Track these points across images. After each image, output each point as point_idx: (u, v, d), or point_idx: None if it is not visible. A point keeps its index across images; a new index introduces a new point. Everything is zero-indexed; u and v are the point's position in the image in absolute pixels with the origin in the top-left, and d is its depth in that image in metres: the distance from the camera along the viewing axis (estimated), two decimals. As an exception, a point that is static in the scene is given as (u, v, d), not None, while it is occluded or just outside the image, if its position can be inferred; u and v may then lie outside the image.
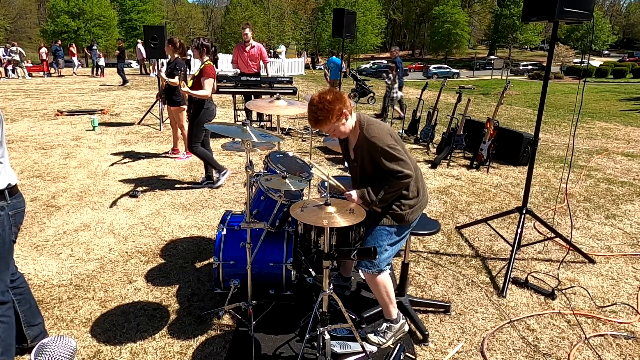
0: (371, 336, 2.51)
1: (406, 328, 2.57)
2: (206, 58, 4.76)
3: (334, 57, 12.52)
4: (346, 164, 2.81)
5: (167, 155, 6.57)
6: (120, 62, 16.83)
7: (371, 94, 13.80)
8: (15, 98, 12.14)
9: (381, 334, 2.52)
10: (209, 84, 4.64)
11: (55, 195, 4.85)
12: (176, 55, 6.01)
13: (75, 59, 21.63)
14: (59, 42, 20.99)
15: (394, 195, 2.37)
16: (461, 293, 3.15)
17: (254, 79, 7.69)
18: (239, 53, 7.85)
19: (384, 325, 2.53)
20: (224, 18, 64.64)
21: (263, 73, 8.12)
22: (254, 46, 7.80)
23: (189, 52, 21.27)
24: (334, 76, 12.22)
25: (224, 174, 5.17)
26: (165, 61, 7.85)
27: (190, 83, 4.75)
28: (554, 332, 2.74)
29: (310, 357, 2.42)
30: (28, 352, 2.39)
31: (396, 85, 10.13)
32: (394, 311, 2.50)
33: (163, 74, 5.81)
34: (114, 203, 4.62)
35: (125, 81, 16.34)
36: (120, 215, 4.33)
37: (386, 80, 10.10)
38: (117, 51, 17.32)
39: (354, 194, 2.38)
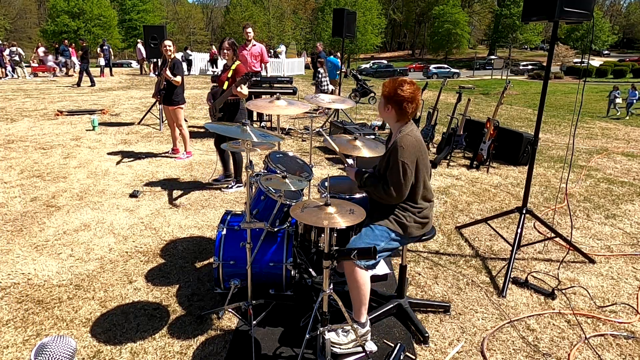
0: (332, 335, 2.39)
1: (369, 339, 2.46)
2: (235, 59, 4.80)
3: (332, 57, 12.57)
4: (348, 163, 2.81)
5: (167, 155, 6.57)
6: (83, 62, 15.72)
7: (372, 94, 13.81)
8: (15, 98, 12.13)
9: (343, 333, 2.43)
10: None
11: (55, 195, 4.85)
12: (174, 55, 6.04)
13: (75, 59, 21.60)
14: (66, 42, 20.93)
15: (373, 193, 2.49)
16: (461, 293, 3.15)
17: (254, 79, 7.69)
18: (240, 53, 7.87)
19: (349, 326, 2.39)
20: (224, 18, 64.68)
21: (262, 73, 8.13)
22: (255, 45, 7.83)
23: (188, 51, 21.43)
24: (331, 76, 12.24)
25: (240, 185, 5.14)
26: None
27: (225, 85, 4.76)
28: (554, 332, 2.74)
29: (310, 357, 2.42)
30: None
31: (327, 79, 10.25)
32: (365, 314, 2.45)
33: (169, 73, 5.82)
34: (113, 203, 4.62)
35: (92, 82, 15.41)
36: (120, 215, 4.33)
37: (318, 76, 10.35)
38: (80, 51, 16.01)
39: (353, 167, 2.64)
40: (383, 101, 2.47)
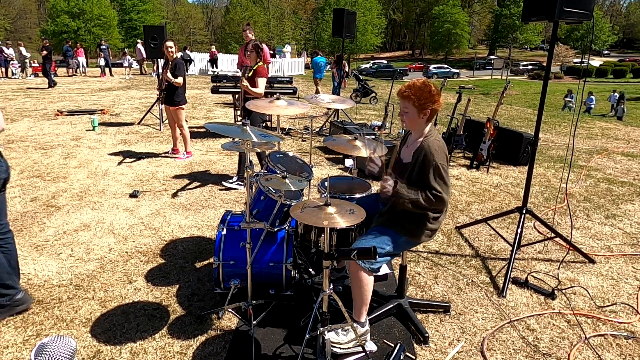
0: (332, 334, 2.39)
1: (368, 338, 2.47)
2: (258, 60, 4.91)
3: (317, 57, 13.11)
4: (346, 162, 2.80)
5: (167, 155, 6.57)
6: (47, 62, 15.31)
7: (373, 94, 13.83)
8: (15, 98, 12.13)
9: (343, 332, 2.44)
10: (261, 82, 4.85)
11: (55, 195, 4.85)
12: (176, 55, 6.04)
13: (81, 59, 21.63)
14: (69, 43, 20.96)
15: (420, 208, 2.37)
16: (461, 293, 3.15)
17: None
18: (242, 54, 7.88)
19: (348, 325, 2.38)
20: (224, 18, 64.67)
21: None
22: None
23: (187, 51, 21.44)
24: (316, 75, 12.85)
25: (239, 183, 5.15)
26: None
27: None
28: (554, 332, 2.74)
29: (311, 357, 2.42)
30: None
31: None
32: (365, 314, 2.46)
33: (169, 74, 5.83)
34: (113, 203, 4.62)
35: (52, 83, 14.90)
36: (120, 215, 4.33)
37: None
38: (44, 51, 15.42)
39: (391, 179, 2.34)
40: (415, 110, 2.39)
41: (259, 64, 4.88)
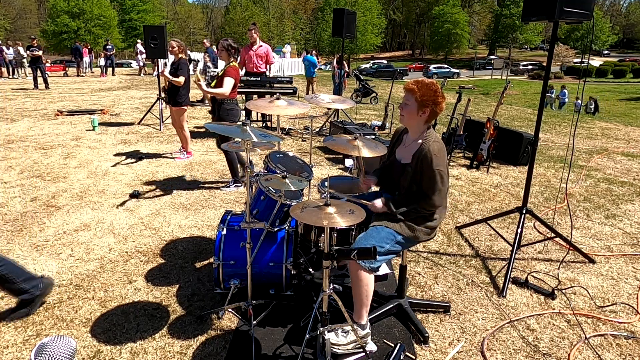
0: (331, 335, 2.38)
1: (369, 340, 2.45)
2: (232, 59, 4.82)
3: (308, 55, 13.30)
4: (346, 162, 2.80)
5: (171, 155, 6.55)
6: (39, 63, 14.80)
7: (374, 94, 13.84)
8: (15, 98, 12.13)
9: (343, 334, 2.43)
10: (227, 82, 4.67)
11: (55, 195, 4.85)
12: (181, 56, 6.00)
13: (85, 58, 21.68)
14: (79, 43, 21.11)
15: (416, 213, 2.44)
16: (461, 293, 3.15)
17: (254, 79, 7.71)
18: (245, 53, 7.86)
19: (349, 327, 2.38)
20: (224, 18, 64.72)
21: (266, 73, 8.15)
22: (261, 45, 7.84)
23: (188, 51, 21.48)
24: (307, 74, 13.35)
25: (237, 185, 5.13)
26: (168, 61, 7.85)
27: (213, 83, 4.83)
28: (554, 332, 2.74)
29: (310, 357, 2.42)
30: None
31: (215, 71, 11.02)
32: (365, 316, 2.44)
33: (167, 74, 5.80)
34: (113, 203, 4.62)
35: (43, 85, 14.75)
36: (120, 215, 4.33)
37: (210, 72, 11.24)
38: (38, 51, 14.93)
39: (377, 202, 2.49)
40: (416, 105, 2.40)
41: (231, 64, 4.76)
